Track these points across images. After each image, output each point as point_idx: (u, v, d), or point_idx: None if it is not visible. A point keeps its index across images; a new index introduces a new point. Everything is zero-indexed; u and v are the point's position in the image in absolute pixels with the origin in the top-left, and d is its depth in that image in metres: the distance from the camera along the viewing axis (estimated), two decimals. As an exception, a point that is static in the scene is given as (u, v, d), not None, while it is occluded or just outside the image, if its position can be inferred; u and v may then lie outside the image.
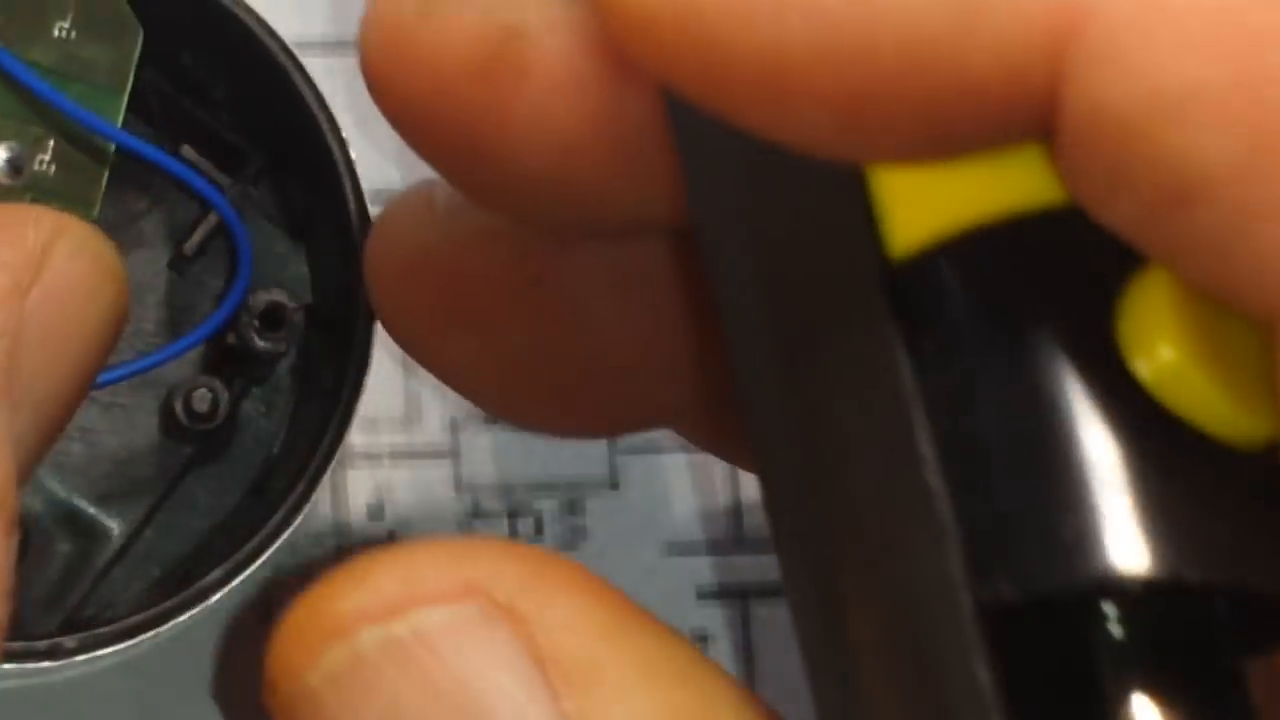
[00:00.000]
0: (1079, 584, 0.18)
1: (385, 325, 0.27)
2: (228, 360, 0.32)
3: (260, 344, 0.31)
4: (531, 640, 0.20)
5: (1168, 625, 0.19)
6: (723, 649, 0.37)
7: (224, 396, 0.32)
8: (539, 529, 0.37)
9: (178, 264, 0.33)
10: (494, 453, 0.37)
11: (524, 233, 0.25)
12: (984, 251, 0.19)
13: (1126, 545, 0.18)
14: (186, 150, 0.32)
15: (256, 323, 0.31)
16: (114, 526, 0.32)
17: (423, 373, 0.37)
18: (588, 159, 0.22)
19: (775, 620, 0.37)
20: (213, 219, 0.32)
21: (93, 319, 0.25)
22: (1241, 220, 0.18)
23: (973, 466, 0.19)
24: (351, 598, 0.20)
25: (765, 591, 0.37)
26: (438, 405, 0.37)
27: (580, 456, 0.37)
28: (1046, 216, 0.19)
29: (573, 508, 0.37)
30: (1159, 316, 0.19)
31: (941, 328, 0.19)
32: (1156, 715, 0.19)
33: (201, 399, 0.32)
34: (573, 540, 0.37)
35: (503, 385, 0.26)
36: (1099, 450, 0.19)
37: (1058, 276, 0.19)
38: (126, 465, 0.32)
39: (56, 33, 0.29)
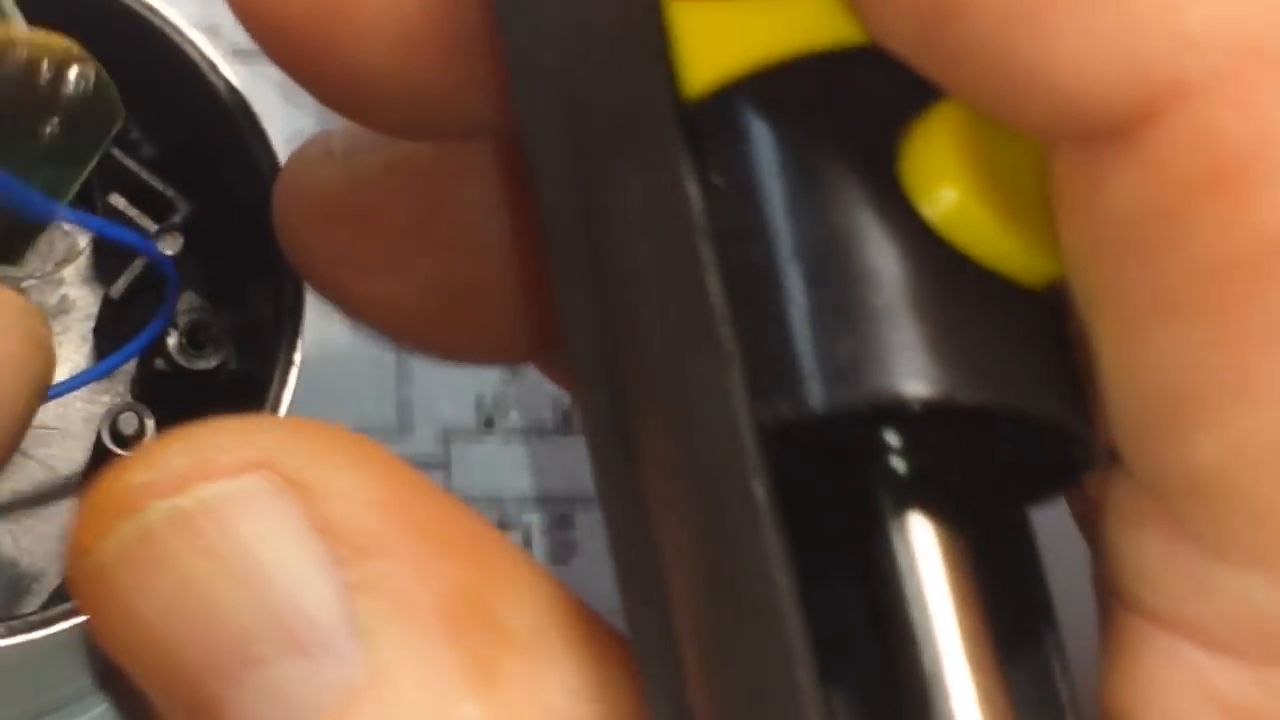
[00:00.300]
0: (855, 404, 0.18)
1: (298, 269, 0.28)
2: (158, 385, 0.32)
3: (186, 362, 0.31)
4: (316, 512, 0.20)
5: (943, 449, 0.19)
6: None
7: (150, 421, 0.32)
8: (528, 542, 0.37)
9: (110, 304, 0.33)
10: (485, 465, 0.37)
11: (417, 166, 0.25)
12: (775, 90, 0.19)
13: (902, 367, 0.18)
14: (115, 198, 0.32)
15: (183, 340, 0.31)
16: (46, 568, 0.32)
17: (416, 383, 0.38)
18: (426, 52, 0.23)
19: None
20: (139, 264, 0.32)
21: (23, 389, 0.26)
22: (1007, 27, 0.18)
23: (757, 295, 0.19)
24: (141, 474, 0.20)
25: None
26: (430, 416, 0.37)
27: (572, 470, 0.37)
28: (838, 56, 0.20)
29: (563, 522, 0.37)
30: (942, 157, 0.19)
31: (731, 163, 0.19)
32: (928, 533, 0.19)
33: (127, 422, 0.31)
34: (563, 554, 0.37)
35: (411, 317, 0.27)
36: (880, 279, 0.19)
37: (847, 115, 0.20)
38: (57, 493, 0.33)
39: (49, 129, 0.30)
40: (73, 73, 0.28)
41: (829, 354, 0.18)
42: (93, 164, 0.29)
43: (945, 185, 0.19)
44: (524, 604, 0.20)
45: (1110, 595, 0.20)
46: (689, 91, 0.20)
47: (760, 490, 0.18)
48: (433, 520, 0.20)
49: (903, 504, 0.19)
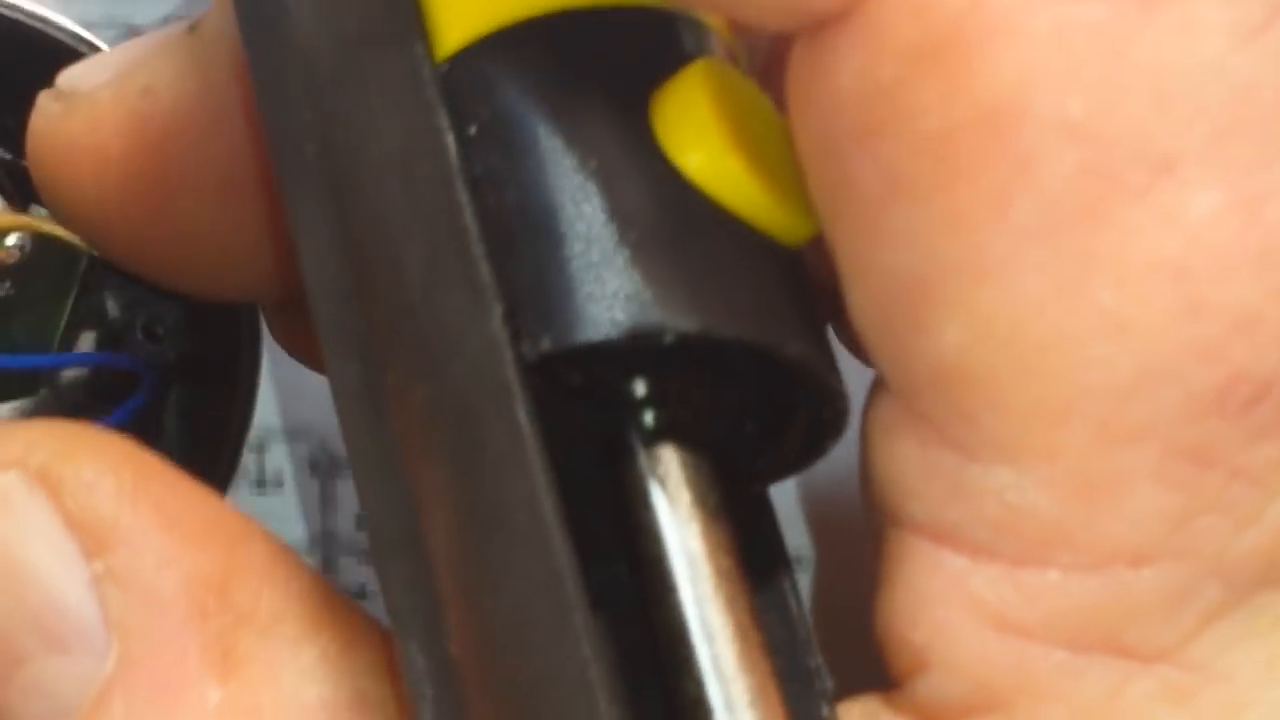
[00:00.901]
0: (613, 336, 0.19)
1: (57, 218, 0.27)
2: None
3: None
4: (63, 505, 0.20)
5: (697, 403, 0.20)
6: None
7: None
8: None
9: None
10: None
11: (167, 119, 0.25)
12: (528, 44, 0.20)
13: (659, 300, 0.19)
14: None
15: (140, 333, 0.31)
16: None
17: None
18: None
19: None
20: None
21: None
22: None
23: (514, 237, 0.19)
24: None
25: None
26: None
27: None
28: (595, 14, 0.20)
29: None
30: (695, 112, 0.19)
31: (484, 114, 0.20)
32: (677, 463, 0.20)
33: None
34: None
35: (168, 261, 0.26)
36: (636, 219, 0.19)
37: (600, 68, 0.20)
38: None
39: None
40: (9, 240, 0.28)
41: (589, 287, 0.19)
42: (69, 302, 0.30)
43: (698, 140, 0.19)
44: (267, 589, 0.20)
45: (878, 515, 0.20)
46: (447, 46, 0.20)
47: (524, 418, 0.18)
48: (177, 510, 0.21)
49: (661, 450, 0.20)
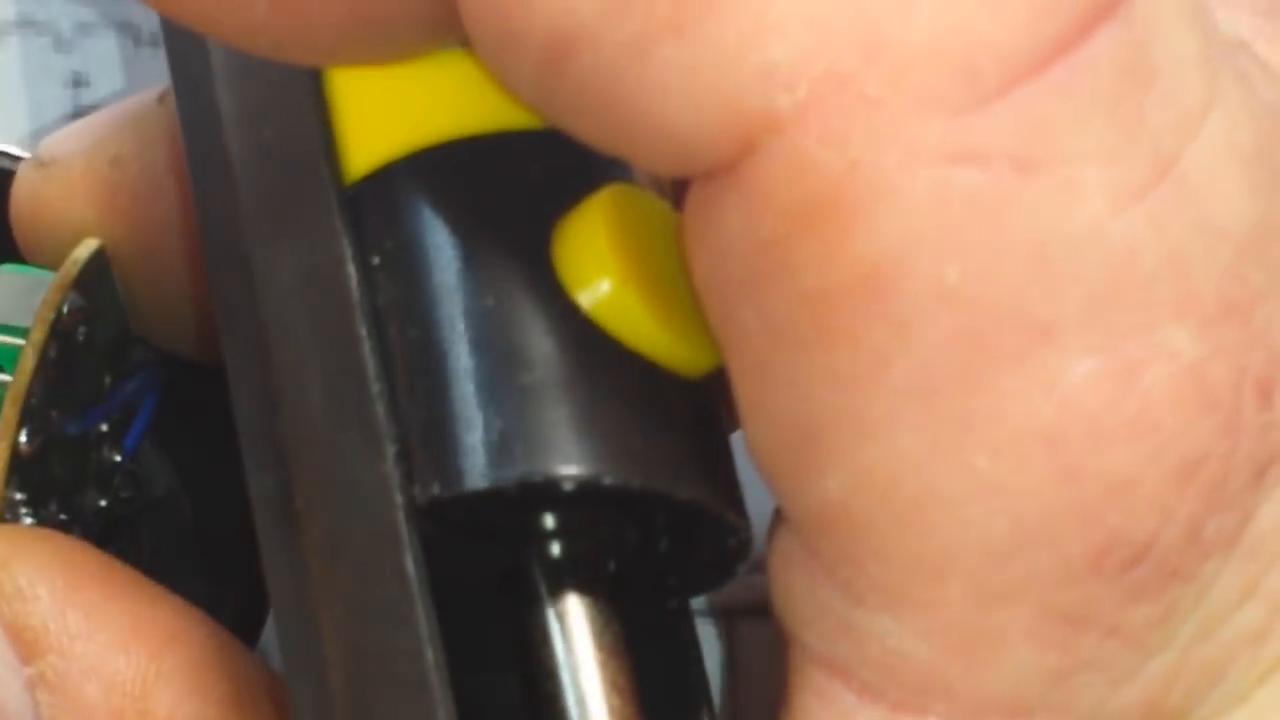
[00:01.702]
0: (505, 483, 0.19)
1: None
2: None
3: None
4: (5, 611, 0.22)
5: (600, 535, 0.20)
6: (707, 668, 0.37)
7: None
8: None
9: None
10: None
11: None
12: (436, 171, 0.20)
13: (551, 446, 0.19)
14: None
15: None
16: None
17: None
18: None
19: (760, 639, 0.37)
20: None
21: None
22: (615, 71, 0.18)
23: (412, 373, 0.19)
24: None
25: (751, 611, 0.37)
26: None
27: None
28: (499, 140, 0.20)
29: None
30: (594, 246, 0.19)
31: (388, 243, 0.20)
32: (582, 617, 0.20)
33: None
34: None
35: None
36: (531, 359, 0.19)
37: (503, 197, 0.20)
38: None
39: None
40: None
41: (480, 432, 0.19)
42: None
43: (595, 275, 0.19)
44: (187, 698, 0.21)
45: (783, 632, 0.20)
46: (352, 173, 0.20)
47: (411, 568, 0.18)
48: (106, 616, 0.22)
49: (559, 587, 0.20)
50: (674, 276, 0.20)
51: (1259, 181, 0.19)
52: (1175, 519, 0.18)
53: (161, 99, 0.25)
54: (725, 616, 0.37)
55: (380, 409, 0.19)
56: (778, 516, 0.20)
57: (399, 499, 0.19)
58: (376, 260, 0.20)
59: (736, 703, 0.37)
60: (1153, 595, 0.18)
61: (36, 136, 0.33)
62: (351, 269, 0.19)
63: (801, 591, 0.19)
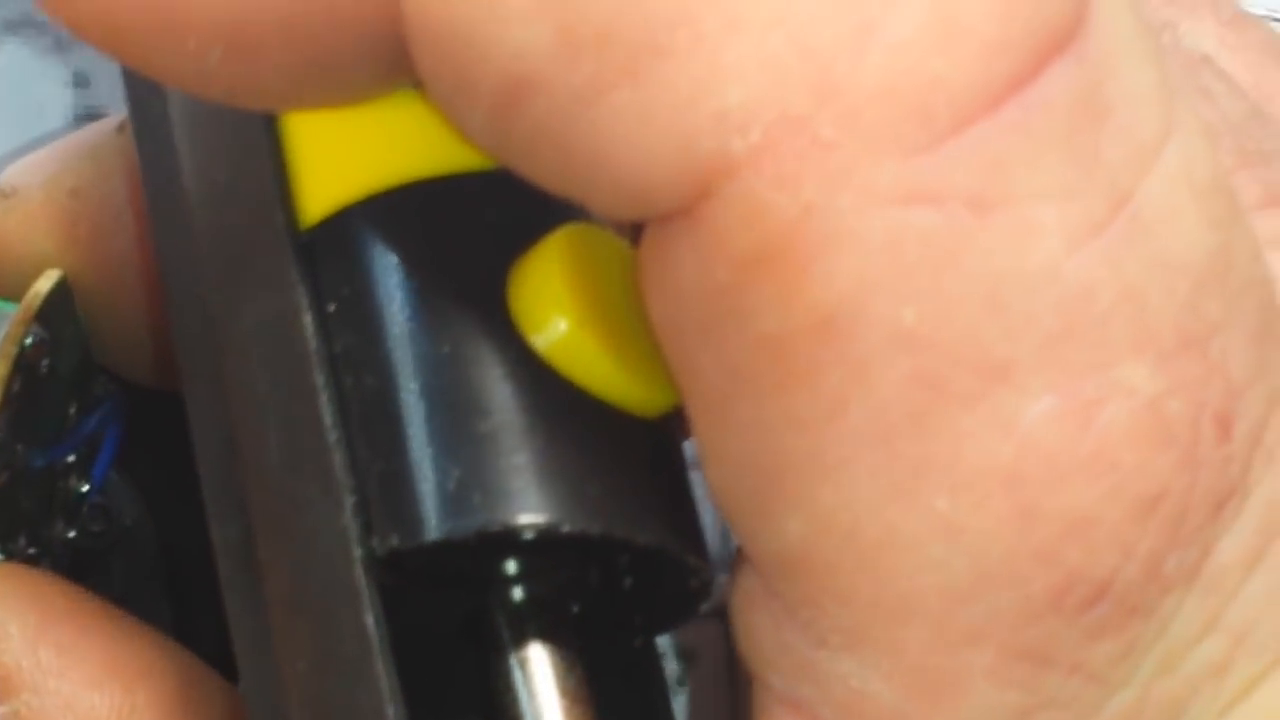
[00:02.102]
0: (463, 533, 0.19)
1: None
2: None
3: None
4: None
5: (562, 578, 0.20)
6: (710, 668, 0.37)
7: None
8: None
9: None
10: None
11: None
12: (391, 216, 0.20)
13: (508, 495, 0.19)
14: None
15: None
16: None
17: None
18: None
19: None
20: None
21: None
22: (569, 114, 0.18)
23: (369, 422, 0.19)
24: None
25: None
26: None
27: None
28: (453, 183, 0.20)
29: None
30: (549, 288, 0.19)
31: (344, 290, 0.20)
32: (545, 662, 0.20)
33: None
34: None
35: None
36: (488, 407, 0.19)
37: (458, 241, 0.20)
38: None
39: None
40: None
41: (438, 482, 0.19)
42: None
43: (550, 318, 0.19)
44: None
45: (747, 671, 0.20)
46: (306, 219, 0.20)
47: (371, 622, 0.18)
48: (80, 653, 0.22)
49: (521, 633, 0.20)
50: (632, 315, 0.19)
51: (1216, 212, 0.18)
52: (1135, 556, 0.18)
53: (120, 128, 0.25)
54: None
55: (338, 459, 0.19)
56: (740, 556, 0.20)
57: (357, 551, 0.19)
58: (333, 308, 0.20)
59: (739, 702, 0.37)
60: (1114, 632, 0.18)
61: (37, 138, 0.33)
62: (308, 318, 0.19)
63: (764, 632, 0.19)
